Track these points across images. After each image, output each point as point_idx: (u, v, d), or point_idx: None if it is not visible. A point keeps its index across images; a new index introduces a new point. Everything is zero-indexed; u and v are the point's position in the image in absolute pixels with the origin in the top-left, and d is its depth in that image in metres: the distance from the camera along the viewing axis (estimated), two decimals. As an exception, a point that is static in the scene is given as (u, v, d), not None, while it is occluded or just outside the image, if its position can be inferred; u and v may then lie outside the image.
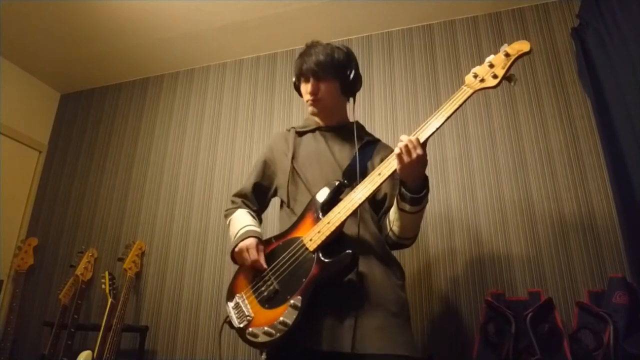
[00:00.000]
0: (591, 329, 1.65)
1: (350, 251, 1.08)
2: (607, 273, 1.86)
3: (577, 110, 2.18)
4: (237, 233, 1.32)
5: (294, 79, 1.52)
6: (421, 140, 1.10)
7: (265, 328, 1.09)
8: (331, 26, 2.64)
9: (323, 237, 1.13)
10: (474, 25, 2.53)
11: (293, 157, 1.40)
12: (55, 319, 2.39)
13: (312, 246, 1.14)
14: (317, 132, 1.47)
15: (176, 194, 2.77)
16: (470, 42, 2.50)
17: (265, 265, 1.20)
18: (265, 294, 1.16)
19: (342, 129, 1.46)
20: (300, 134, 1.49)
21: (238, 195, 1.51)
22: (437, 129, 1.11)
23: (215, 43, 2.85)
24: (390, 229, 1.27)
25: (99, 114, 3.24)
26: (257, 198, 1.50)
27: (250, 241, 1.25)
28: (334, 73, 1.41)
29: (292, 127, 1.53)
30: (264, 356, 1.19)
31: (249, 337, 1.12)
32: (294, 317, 1.06)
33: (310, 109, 1.44)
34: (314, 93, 1.40)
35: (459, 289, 2.04)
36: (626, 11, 1.82)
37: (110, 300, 2.36)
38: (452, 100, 1.14)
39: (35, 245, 2.87)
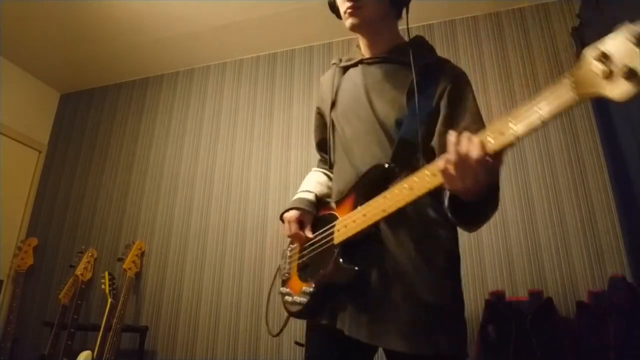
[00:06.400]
0: (591, 329, 1.64)
1: (357, 268, 0.95)
2: (607, 273, 1.86)
3: (577, 110, 2.17)
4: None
5: None
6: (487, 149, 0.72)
7: (287, 297, 1.10)
8: (331, 26, 2.63)
9: (349, 234, 0.97)
10: (474, 25, 2.53)
11: (333, 106, 1.18)
12: (55, 319, 2.39)
13: (337, 238, 1.00)
14: (360, 67, 1.16)
15: (176, 194, 2.77)
16: (470, 42, 2.50)
17: (302, 237, 1.12)
18: (301, 262, 1.13)
19: (391, 57, 1.12)
20: (344, 69, 1.21)
21: (316, 147, 1.39)
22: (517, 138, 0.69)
23: (215, 43, 2.85)
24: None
25: (99, 114, 3.24)
26: (326, 151, 1.31)
27: (291, 214, 1.14)
28: None
29: (335, 62, 1.25)
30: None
31: (281, 292, 1.14)
32: (306, 301, 1.04)
33: (349, 21, 1.09)
34: None
35: (459, 289, 2.03)
36: (626, 11, 1.82)
37: (110, 300, 2.36)
38: (536, 104, 0.66)
39: (35, 246, 2.87)
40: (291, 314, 1.10)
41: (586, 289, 1.85)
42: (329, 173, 1.29)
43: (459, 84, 1.04)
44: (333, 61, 1.26)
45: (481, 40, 2.49)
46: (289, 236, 1.15)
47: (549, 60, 2.31)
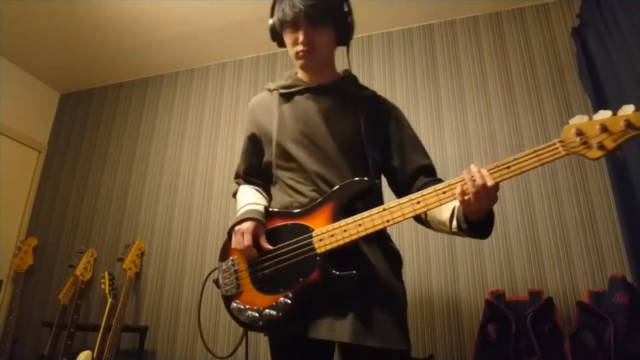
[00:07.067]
0: (592, 329, 1.64)
1: (355, 272, 0.99)
2: (607, 273, 1.86)
3: (578, 110, 2.17)
4: (238, 212, 1.21)
5: (270, 22, 1.25)
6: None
7: (250, 312, 1.06)
8: (331, 26, 2.63)
9: (334, 245, 1.02)
10: (474, 25, 2.53)
11: (279, 132, 1.20)
12: (55, 319, 2.39)
13: (320, 248, 1.03)
14: (308, 95, 1.24)
15: (176, 194, 2.77)
16: (470, 42, 2.50)
17: (253, 250, 1.10)
18: (259, 274, 1.09)
19: (335, 87, 1.25)
20: (285, 97, 1.26)
21: (236, 177, 1.42)
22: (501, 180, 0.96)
23: (214, 43, 2.85)
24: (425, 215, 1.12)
25: (99, 113, 3.24)
26: (256, 176, 1.36)
27: (247, 225, 1.11)
28: (330, 18, 1.17)
29: (275, 88, 1.29)
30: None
31: (233, 310, 1.09)
32: (281, 313, 1.02)
33: (300, 62, 1.21)
34: (308, 43, 1.16)
35: (459, 289, 2.04)
36: (626, 11, 1.82)
37: (109, 300, 2.36)
38: (536, 154, 0.94)
39: (34, 246, 2.87)
40: (256, 329, 1.07)
41: (586, 289, 1.85)
42: (257, 188, 1.33)
43: (402, 118, 1.26)
44: (271, 87, 1.32)
45: (481, 40, 2.49)
46: (242, 249, 1.10)
47: (549, 60, 2.31)
